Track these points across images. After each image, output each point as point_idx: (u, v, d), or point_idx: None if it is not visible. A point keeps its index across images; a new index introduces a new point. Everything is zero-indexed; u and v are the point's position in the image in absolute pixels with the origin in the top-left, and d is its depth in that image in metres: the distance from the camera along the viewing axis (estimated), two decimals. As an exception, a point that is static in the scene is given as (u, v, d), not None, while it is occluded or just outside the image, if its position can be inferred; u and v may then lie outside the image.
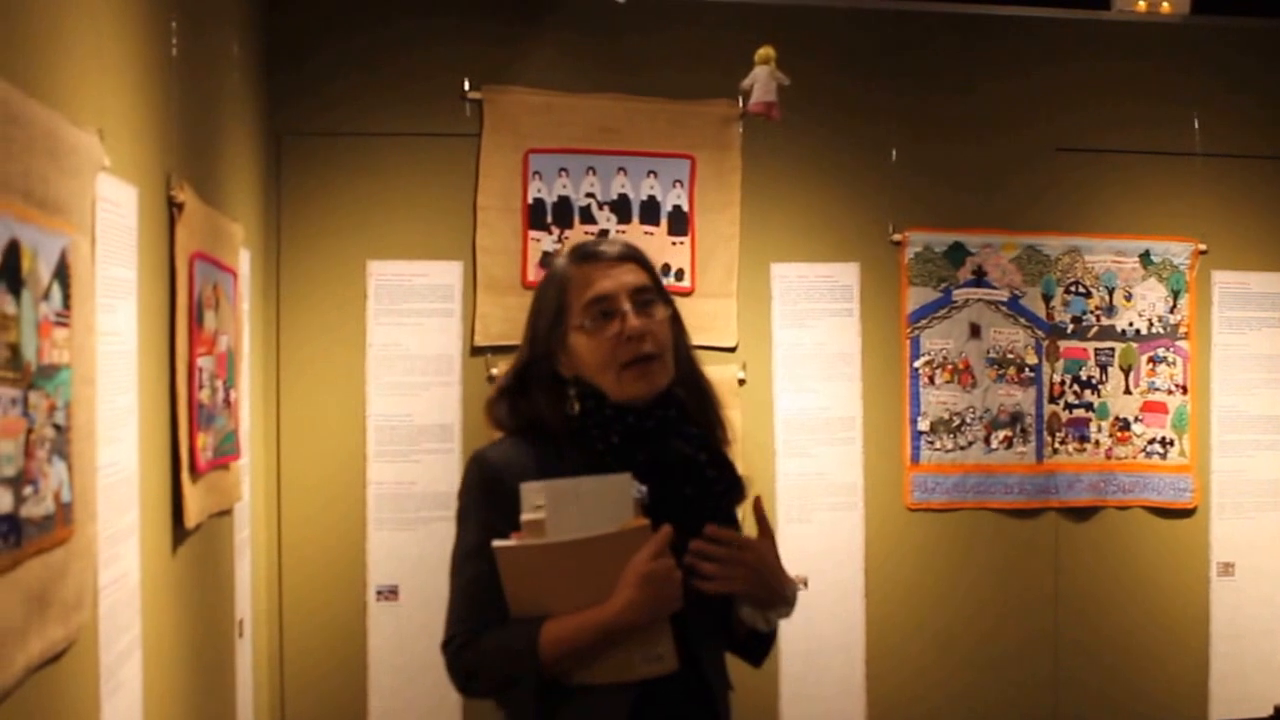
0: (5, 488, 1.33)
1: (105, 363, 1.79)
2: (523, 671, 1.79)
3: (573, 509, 1.79)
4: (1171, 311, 4.24)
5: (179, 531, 2.35)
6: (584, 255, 1.98)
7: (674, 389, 1.97)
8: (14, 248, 1.36)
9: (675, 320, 1.99)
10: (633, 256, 1.99)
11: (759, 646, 2.05)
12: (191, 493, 2.37)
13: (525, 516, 1.80)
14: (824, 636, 4.02)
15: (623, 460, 1.87)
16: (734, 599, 1.95)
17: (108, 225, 1.83)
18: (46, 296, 1.47)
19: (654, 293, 1.97)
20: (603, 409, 1.91)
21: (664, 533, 1.80)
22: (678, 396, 1.97)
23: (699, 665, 1.91)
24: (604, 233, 3.90)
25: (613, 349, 1.90)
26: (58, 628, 1.52)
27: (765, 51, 3.35)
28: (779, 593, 1.93)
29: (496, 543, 1.80)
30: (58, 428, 1.51)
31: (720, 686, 1.96)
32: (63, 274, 1.54)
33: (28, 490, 1.40)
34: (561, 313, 1.94)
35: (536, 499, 1.80)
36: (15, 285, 1.36)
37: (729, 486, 1.98)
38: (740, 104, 3.86)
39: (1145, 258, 4.24)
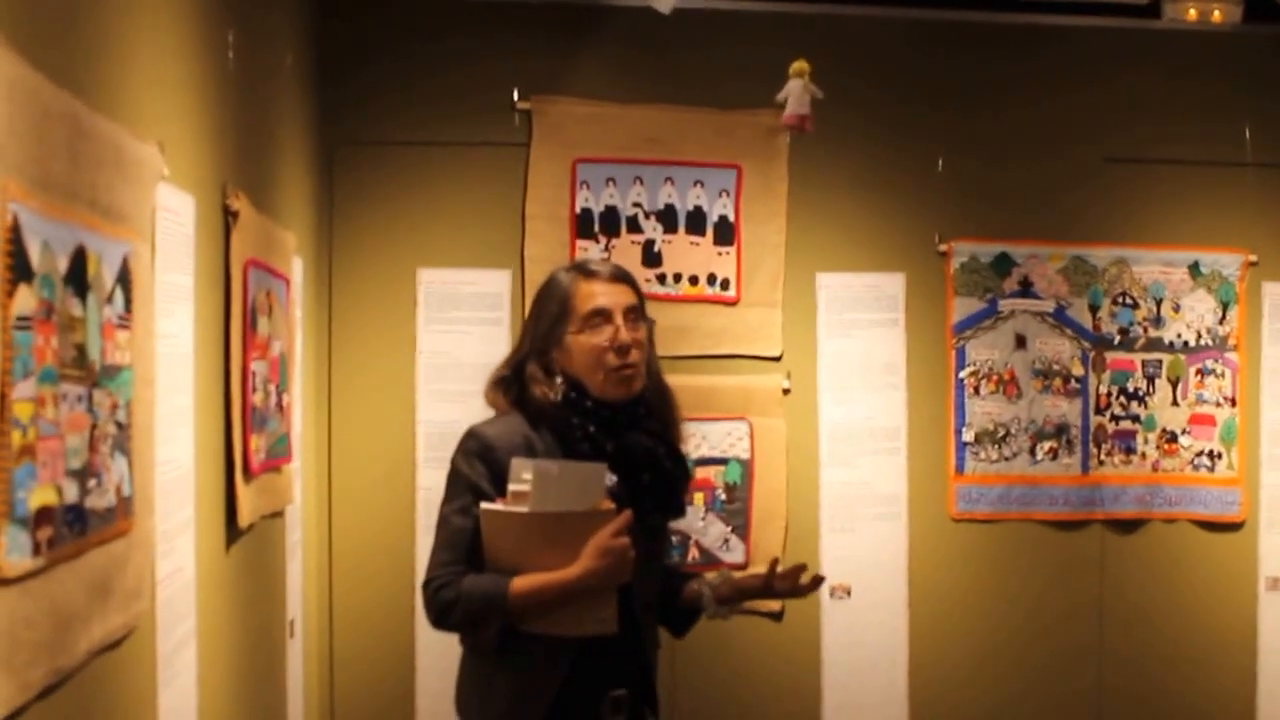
0: (72, 479, 1.40)
1: (163, 364, 1.86)
2: (491, 614, 2.15)
3: (554, 487, 2.10)
4: (1220, 323, 4.21)
5: (232, 530, 2.42)
6: (587, 271, 2.36)
7: (644, 392, 2.33)
8: (81, 253, 1.43)
9: (650, 336, 2.38)
10: (626, 279, 2.38)
11: (689, 622, 2.55)
12: (244, 493, 2.44)
13: (512, 487, 2.12)
14: (867, 646, 4.03)
15: (595, 446, 2.24)
16: (691, 580, 2.50)
17: (167, 233, 1.91)
18: (110, 300, 1.54)
19: (640, 312, 2.35)
20: (583, 401, 2.27)
21: (625, 516, 2.15)
22: (646, 398, 2.35)
23: (637, 628, 2.30)
24: (650, 243, 3.95)
25: (603, 354, 2.26)
26: (118, 615, 1.59)
27: (799, 65, 3.40)
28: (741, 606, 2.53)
29: (484, 505, 2.15)
30: (119, 425, 1.58)
31: (651, 647, 2.38)
32: (125, 279, 1.61)
33: (92, 483, 1.46)
34: (563, 316, 2.30)
35: (524, 473, 2.11)
36: (82, 289, 1.43)
37: (681, 477, 2.39)
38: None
39: (1194, 269, 4.21)
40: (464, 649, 2.35)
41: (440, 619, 2.21)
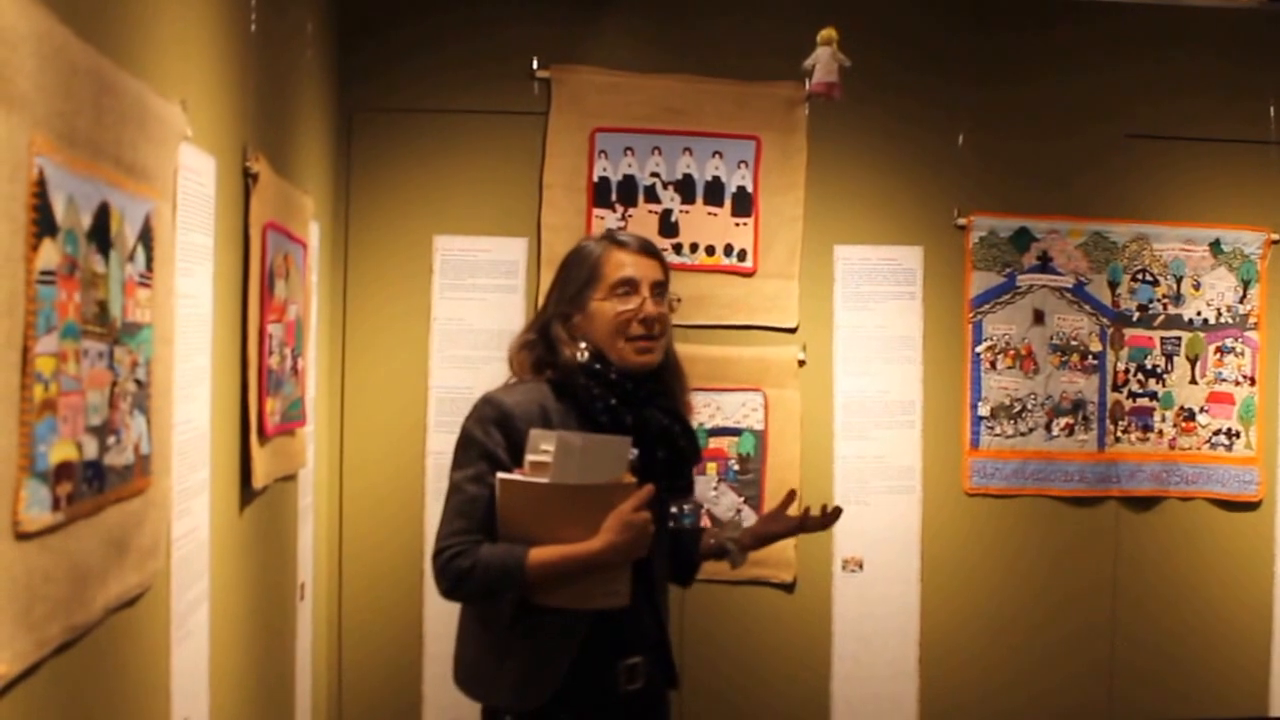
0: (92, 436, 1.40)
1: (182, 324, 1.86)
2: (507, 586, 2.11)
3: (575, 459, 2.06)
4: (1241, 301, 4.19)
5: (246, 492, 2.43)
6: (618, 241, 2.33)
7: (660, 368, 2.32)
8: (104, 210, 1.42)
9: (670, 312, 2.37)
10: (656, 254, 2.36)
11: (695, 571, 2.62)
12: (259, 455, 2.44)
13: (532, 458, 2.08)
14: (878, 619, 4.04)
15: (615, 419, 2.20)
16: (707, 534, 2.60)
17: (188, 193, 1.90)
18: (132, 258, 1.54)
19: (665, 289, 2.33)
20: (607, 373, 2.24)
21: (646, 490, 2.12)
22: (662, 375, 2.34)
23: (654, 602, 2.31)
24: (667, 212, 3.93)
25: (627, 323, 2.25)
26: (134, 573, 1.59)
27: (828, 32, 3.38)
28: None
29: (502, 475, 2.11)
30: (139, 383, 1.57)
31: (667, 619, 2.39)
32: (147, 237, 1.60)
33: (111, 440, 1.46)
34: (590, 282, 2.27)
35: (544, 444, 2.07)
36: (104, 245, 1.43)
37: (692, 454, 2.37)
38: (805, 85, 3.86)
39: (1215, 246, 4.18)
40: (465, 620, 2.31)
41: (453, 588, 2.14)
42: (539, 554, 2.09)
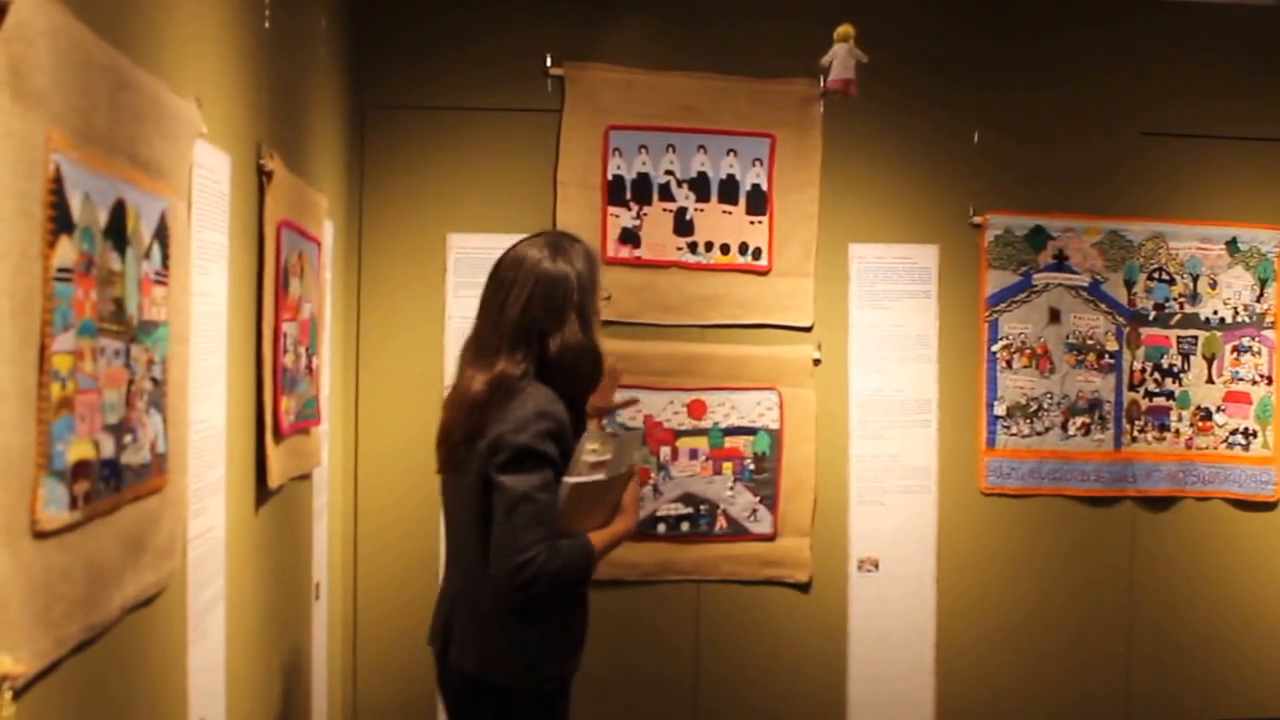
0: (109, 434, 1.39)
1: (197, 323, 1.85)
2: (584, 576, 2.31)
3: (616, 453, 2.31)
4: (1258, 300, 4.16)
5: (262, 491, 2.42)
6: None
7: None
8: (120, 207, 1.41)
9: None
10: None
11: None
12: (274, 454, 2.44)
13: (590, 458, 2.26)
14: (894, 618, 4.02)
15: (581, 414, 2.43)
16: None
17: (203, 190, 1.90)
18: (148, 255, 1.53)
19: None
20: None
21: (640, 469, 2.49)
22: None
23: None
24: (682, 210, 3.92)
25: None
26: (151, 572, 1.58)
27: (845, 29, 3.38)
28: None
29: (571, 479, 2.25)
30: (155, 381, 1.57)
31: None
32: (162, 234, 1.60)
33: (128, 438, 1.45)
34: (597, 288, 2.46)
35: (592, 443, 2.26)
36: (121, 243, 1.42)
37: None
38: (820, 82, 3.84)
39: (1232, 245, 4.16)
40: (488, 608, 2.34)
41: (545, 590, 2.23)
42: (596, 540, 2.32)
